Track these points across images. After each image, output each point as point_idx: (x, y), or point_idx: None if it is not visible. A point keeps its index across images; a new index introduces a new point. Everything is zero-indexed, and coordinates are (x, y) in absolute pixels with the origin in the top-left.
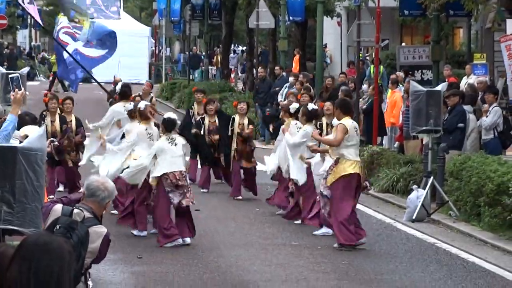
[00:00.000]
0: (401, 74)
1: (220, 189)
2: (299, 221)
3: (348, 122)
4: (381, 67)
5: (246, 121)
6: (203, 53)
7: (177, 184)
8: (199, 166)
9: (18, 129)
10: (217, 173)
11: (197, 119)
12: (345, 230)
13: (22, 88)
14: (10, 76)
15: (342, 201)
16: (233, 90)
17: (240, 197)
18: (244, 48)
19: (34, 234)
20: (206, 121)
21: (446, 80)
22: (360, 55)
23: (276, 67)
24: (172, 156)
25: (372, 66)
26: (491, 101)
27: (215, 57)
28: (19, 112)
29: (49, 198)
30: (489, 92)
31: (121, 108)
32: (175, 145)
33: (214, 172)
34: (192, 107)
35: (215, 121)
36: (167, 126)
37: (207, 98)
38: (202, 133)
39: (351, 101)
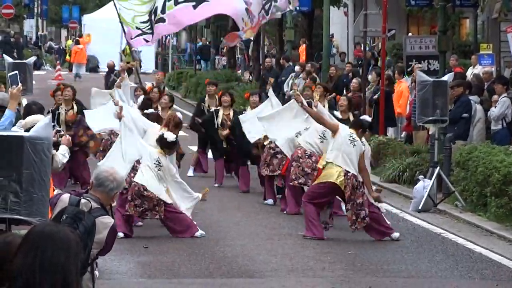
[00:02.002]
0: (419, 65)
1: (225, 181)
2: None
3: (345, 131)
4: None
5: None
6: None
7: (142, 194)
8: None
9: (24, 118)
10: (227, 167)
11: (211, 111)
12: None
13: (20, 84)
14: (9, 74)
15: (314, 200)
16: (240, 79)
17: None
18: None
19: (40, 224)
20: (220, 113)
21: (453, 70)
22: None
23: (282, 59)
24: (152, 177)
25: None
26: (500, 91)
27: (225, 47)
28: (27, 102)
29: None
30: (498, 82)
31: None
32: (159, 168)
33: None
34: (204, 99)
35: (229, 114)
36: (161, 145)
37: (222, 90)
38: (216, 126)
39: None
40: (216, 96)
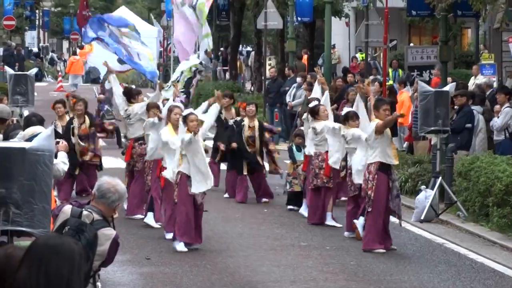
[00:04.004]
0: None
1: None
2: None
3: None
4: (400, 70)
5: (256, 123)
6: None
7: None
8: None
9: (24, 130)
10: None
11: (232, 122)
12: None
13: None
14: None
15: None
16: (242, 90)
17: (266, 199)
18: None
19: (44, 236)
20: (246, 123)
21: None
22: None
23: (286, 70)
24: None
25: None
26: (503, 101)
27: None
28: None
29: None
30: (501, 92)
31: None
32: None
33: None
34: (221, 113)
35: (254, 127)
36: None
37: (247, 101)
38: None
39: None
40: (233, 108)
